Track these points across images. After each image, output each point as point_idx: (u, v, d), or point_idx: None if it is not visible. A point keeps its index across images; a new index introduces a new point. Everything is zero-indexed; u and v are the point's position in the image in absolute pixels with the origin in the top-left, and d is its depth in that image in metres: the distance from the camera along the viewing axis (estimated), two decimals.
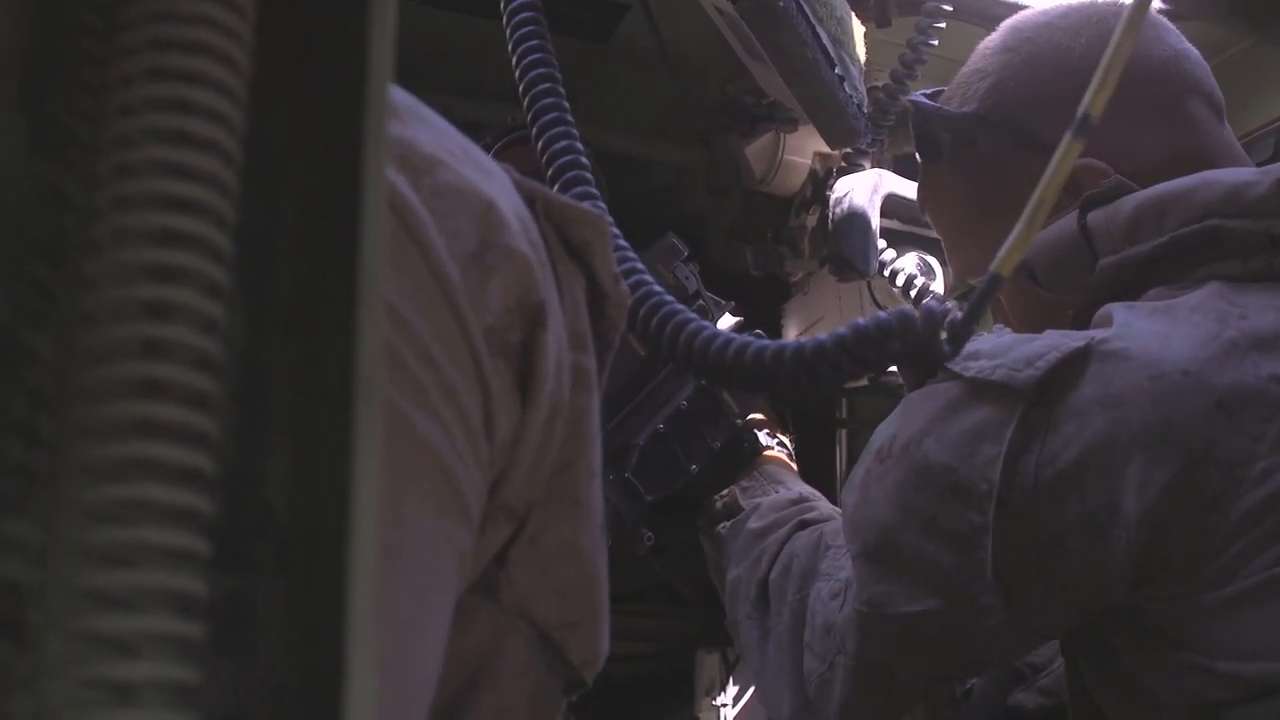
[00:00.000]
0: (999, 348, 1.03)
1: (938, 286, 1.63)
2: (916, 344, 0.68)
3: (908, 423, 1.08)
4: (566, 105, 0.90)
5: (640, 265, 0.88)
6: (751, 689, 1.93)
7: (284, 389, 0.40)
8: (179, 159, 0.37)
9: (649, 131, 1.86)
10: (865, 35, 1.47)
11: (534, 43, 0.91)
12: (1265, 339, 0.98)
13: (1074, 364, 0.99)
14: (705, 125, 1.80)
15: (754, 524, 1.44)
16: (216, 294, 0.37)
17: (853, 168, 1.60)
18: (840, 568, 1.21)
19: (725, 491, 1.53)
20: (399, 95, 0.58)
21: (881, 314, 0.70)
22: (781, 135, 1.69)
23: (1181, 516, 0.95)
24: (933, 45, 1.50)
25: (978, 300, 0.67)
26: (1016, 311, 1.31)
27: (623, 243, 0.89)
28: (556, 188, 0.89)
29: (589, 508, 0.62)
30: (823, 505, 1.48)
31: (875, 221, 1.52)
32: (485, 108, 1.64)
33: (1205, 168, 1.13)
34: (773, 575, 1.35)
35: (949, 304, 1.31)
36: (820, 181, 1.67)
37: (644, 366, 1.40)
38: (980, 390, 1.01)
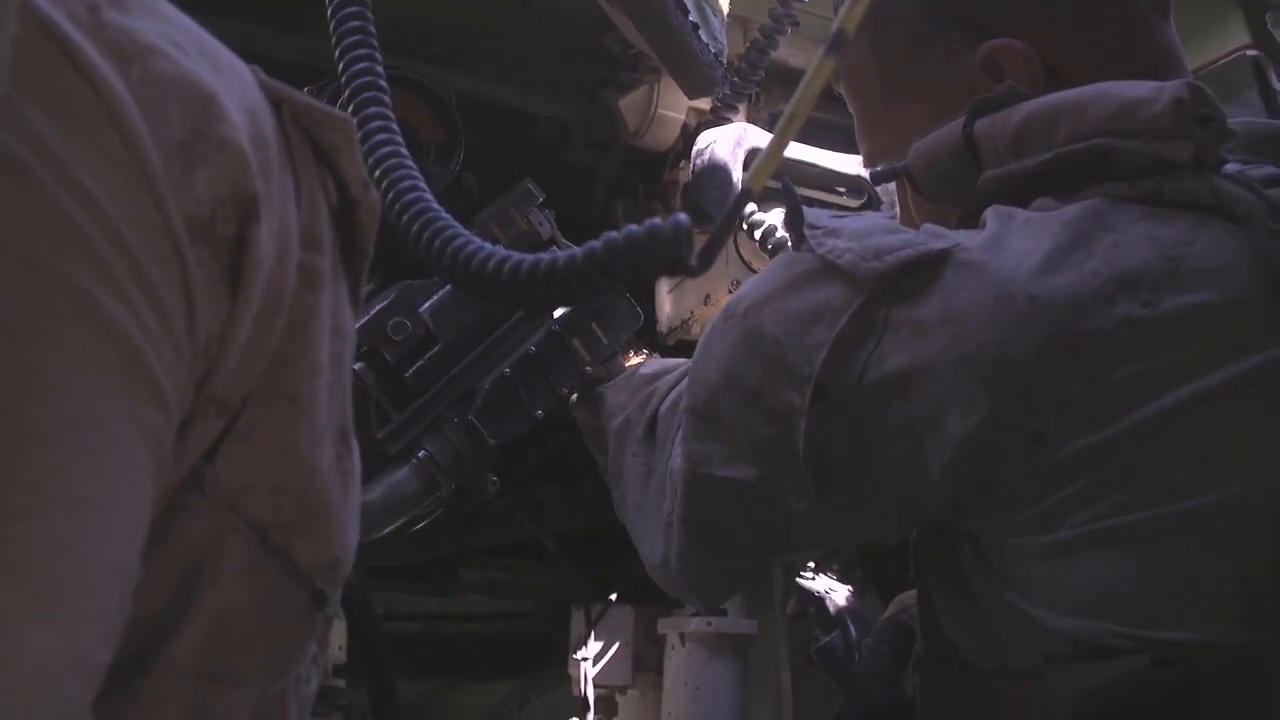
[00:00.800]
0: (860, 230, 0.99)
1: None
2: (664, 258, 0.68)
3: (759, 286, 1.05)
4: (372, 31, 0.90)
5: (416, 174, 0.87)
6: (616, 644, 1.95)
7: None
8: None
9: (532, 84, 1.86)
10: None
11: None
12: (1130, 275, 0.89)
13: (929, 267, 0.94)
14: (587, 79, 1.80)
15: (645, 370, 1.44)
16: None
17: (720, 122, 1.61)
18: None
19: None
20: None
21: (632, 227, 0.70)
22: (654, 89, 1.69)
23: (1004, 447, 0.90)
24: (802, 1, 1.51)
25: (725, 217, 0.66)
26: (919, 213, 1.22)
27: (404, 156, 0.88)
28: (351, 109, 0.89)
29: (309, 406, 0.61)
30: None
31: (737, 174, 1.52)
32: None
33: (1141, 65, 1.07)
34: (662, 409, 1.34)
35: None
36: (693, 136, 1.67)
37: (492, 312, 1.40)
38: (829, 270, 0.97)
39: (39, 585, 0.47)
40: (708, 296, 1.68)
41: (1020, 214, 0.97)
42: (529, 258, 0.78)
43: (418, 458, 1.34)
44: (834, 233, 0.99)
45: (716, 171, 1.50)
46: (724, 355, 1.05)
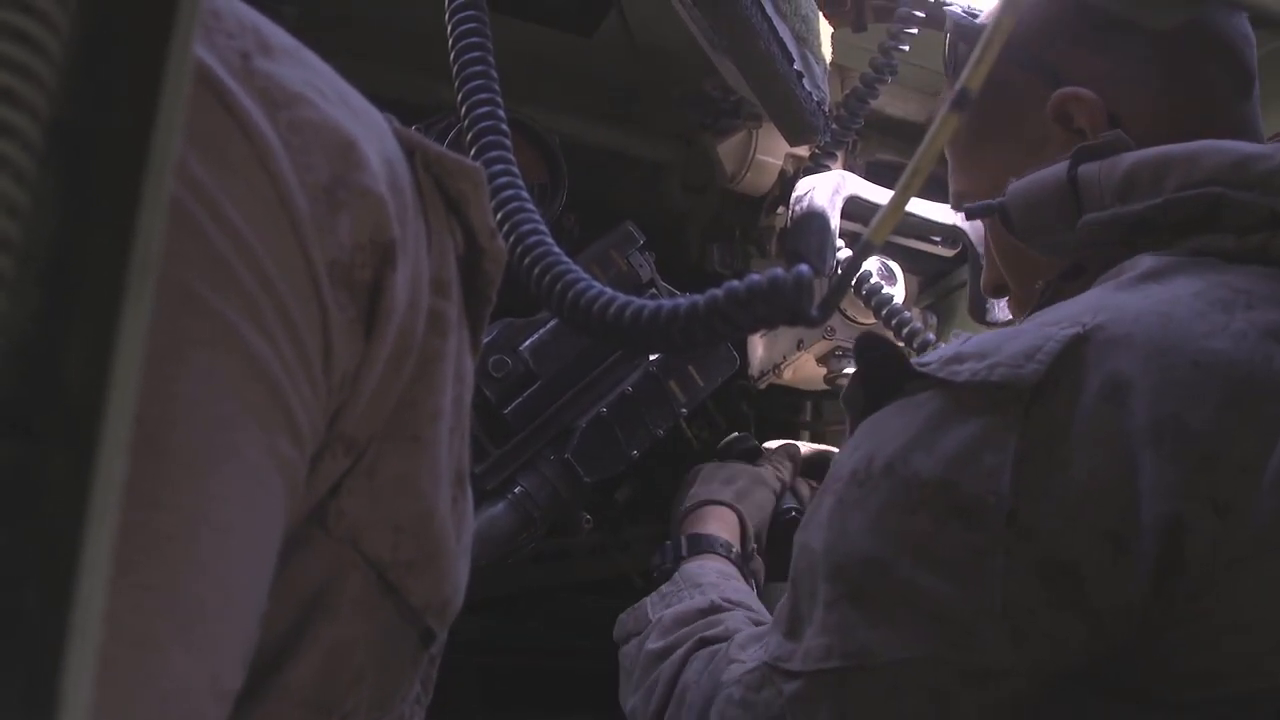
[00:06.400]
0: (986, 347, 0.93)
1: (897, 291, 1.64)
2: (786, 308, 0.69)
3: (884, 441, 0.96)
4: (494, 75, 0.92)
5: (538, 218, 0.89)
6: None
7: (92, 276, 0.42)
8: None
9: (629, 127, 1.88)
10: (833, 36, 1.49)
11: (468, 13, 0.93)
12: (1274, 332, 0.88)
13: (1075, 354, 0.89)
14: (684, 122, 1.82)
15: (653, 644, 1.28)
16: (24, 181, 0.39)
17: (818, 168, 1.62)
18: (755, 659, 1.04)
19: (637, 605, 1.41)
20: (278, 36, 0.60)
21: (754, 275, 0.71)
22: (753, 134, 1.71)
23: (1197, 522, 0.84)
24: (903, 50, 1.52)
25: (847, 268, 0.67)
26: (1008, 265, 1.22)
27: (526, 200, 0.90)
28: (473, 151, 0.91)
29: (431, 447, 0.63)
30: (734, 615, 1.28)
31: (835, 222, 1.53)
32: None
33: (1205, 131, 1.04)
34: (667, 714, 1.18)
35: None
36: (791, 182, 1.69)
37: (591, 350, 1.42)
38: (973, 394, 0.91)
39: (181, 607, 0.49)
40: (801, 341, 1.69)
41: (1137, 288, 0.96)
42: (651, 303, 0.80)
43: (514, 494, 1.36)
44: (958, 359, 0.94)
45: (815, 218, 1.51)
46: (874, 521, 0.94)
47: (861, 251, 0.65)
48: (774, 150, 1.72)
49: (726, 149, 1.73)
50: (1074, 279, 1.06)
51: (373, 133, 0.60)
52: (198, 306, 0.50)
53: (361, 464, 0.60)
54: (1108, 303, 0.94)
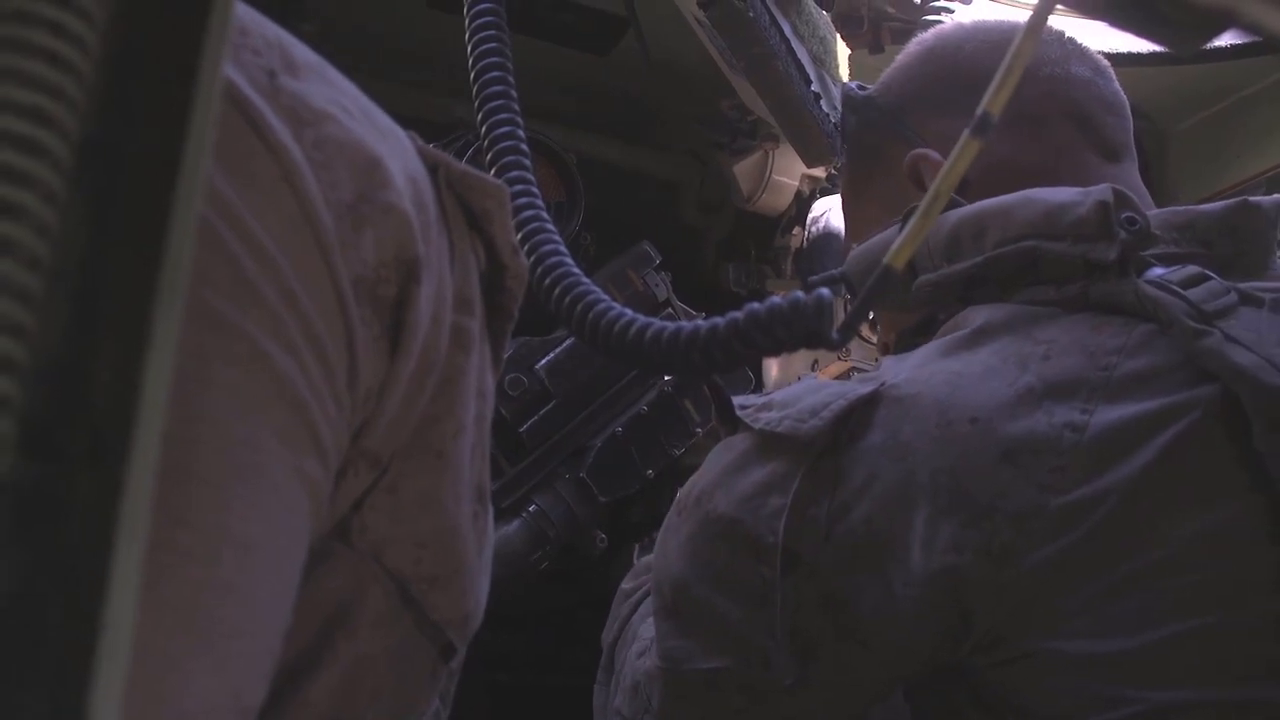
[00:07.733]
0: (790, 397, 1.01)
1: None
2: (805, 330, 0.69)
3: (704, 475, 1.05)
4: (514, 95, 0.92)
5: (557, 238, 0.89)
6: None
7: (121, 295, 0.42)
8: (29, 69, 0.39)
9: (645, 145, 1.89)
10: (850, 58, 1.49)
11: (489, 33, 0.93)
12: (1064, 384, 0.90)
13: (863, 411, 0.95)
14: (700, 141, 1.83)
15: (625, 583, 1.38)
16: (54, 200, 0.39)
17: (835, 189, 1.62)
18: (650, 627, 1.15)
19: (645, 541, 1.48)
20: (303, 54, 0.60)
21: (775, 298, 0.71)
22: (770, 155, 1.71)
23: (971, 572, 0.88)
24: None
25: (866, 293, 0.67)
26: (879, 316, 1.28)
27: (546, 220, 0.90)
28: (493, 171, 0.91)
29: (454, 463, 0.63)
30: None
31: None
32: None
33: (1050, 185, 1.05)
34: (617, 649, 1.28)
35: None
36: (807, 203, 1.69)
37: (606, 369, 1.42)
38: (769, 442, 0.99)
39: (204, 625, 0.49)
40: (815, 362, 1.69)
41: (947, 340, 0.99)
42: (670, 325, 0.79)
43: (529, 512, 1.36)
44: (766, 406, 1.01)
45: (831, 240, 1.51)
46: (683, 548, 1.04)
47: (882, 277, 0.65)
48: (790, 171, 1.72)
49: (743, 169, 1.73)
50: (926, 333, 1.07)
51: (397, 150, 0.60)
52: (223, 324, 0.50)
53: (384, 480, 0.60)
54: (916, 362, 0.98)
